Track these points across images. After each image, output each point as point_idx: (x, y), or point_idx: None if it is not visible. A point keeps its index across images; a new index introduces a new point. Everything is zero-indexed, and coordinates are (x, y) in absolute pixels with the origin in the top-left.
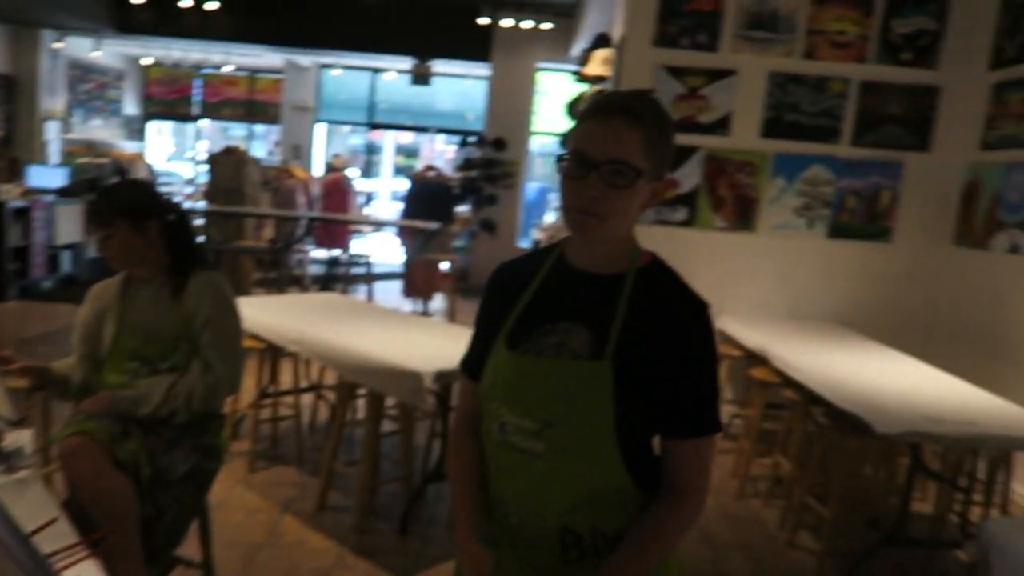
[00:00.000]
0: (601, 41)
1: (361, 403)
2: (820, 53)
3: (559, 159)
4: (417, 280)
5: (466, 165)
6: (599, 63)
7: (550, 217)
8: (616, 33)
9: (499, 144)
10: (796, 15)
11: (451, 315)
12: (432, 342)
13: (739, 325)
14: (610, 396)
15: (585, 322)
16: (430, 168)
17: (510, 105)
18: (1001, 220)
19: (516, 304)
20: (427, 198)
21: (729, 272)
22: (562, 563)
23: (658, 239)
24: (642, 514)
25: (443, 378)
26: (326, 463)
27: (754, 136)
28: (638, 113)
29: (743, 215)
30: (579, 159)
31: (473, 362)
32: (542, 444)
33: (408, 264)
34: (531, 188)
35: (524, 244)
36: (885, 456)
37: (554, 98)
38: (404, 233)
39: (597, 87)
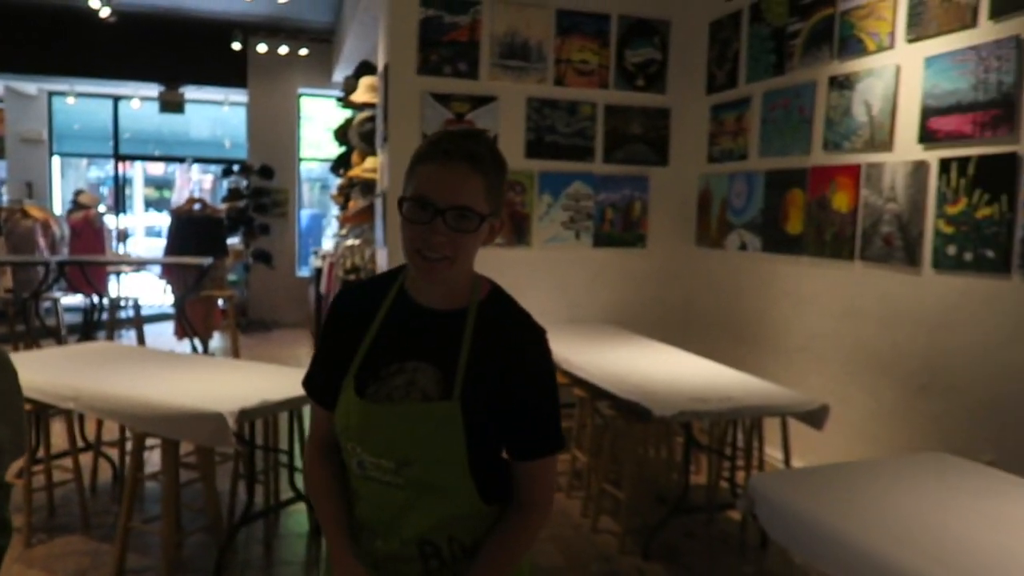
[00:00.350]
0: (365, 68)
1: (149, 455)
2: (569, 80)
3: (400, 202)
4: (193, 319)
5: (233, 195)
6: (365, 90)
7: (328, 243)
8: (380, 61)
9: (266, 172)
10: (544, 46)
11: (235, 353)
12: (225, 381)
13: None
14: (460, 432)
15: (432, 361)
16: (195, 200)
17: (273, 131)
18: (730, 222)
19: (362, 340)
20: (195, 232)
21: (511, 285)
22: (424, 574)
23: None
24: (494, 527)
25: (246, 416)
26: (121, 523)
27: (520, 157)
28: (479, 158)
29: (518, 231)
30: (422, 204)
31: (320, 389)
32: (401, 479)
33: (180, 303)
34: (304, 215)
35: (304, 273)
36: (664, 437)
37: (320, 124)
38: (169, 271)
39: (365, 113)
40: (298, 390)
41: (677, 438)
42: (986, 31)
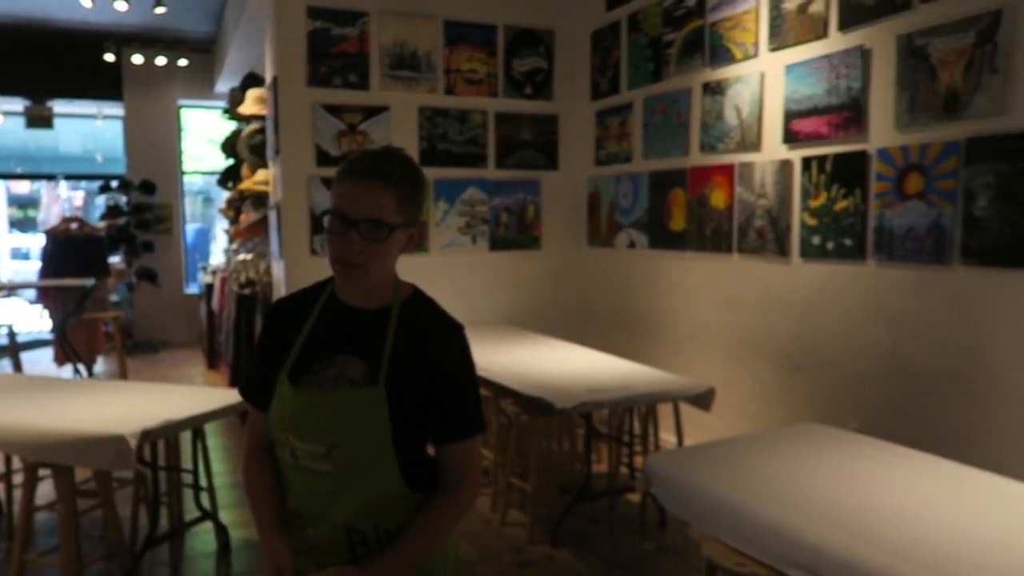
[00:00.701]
0: (251, 80)
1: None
2: (459, 89)
3: (322, 215)
4: (76, 344)
5: (112, 212)
6: (253, 102)
7: (217, 258)
8: (268, 73)
9: (147, 187)
10: (433, 56)
11: (122, 376)
12: (122, 403)
13: None
14: (385, 416)
15: (359, 354)
16: (71, 219)
17: (154, 145)
18: (619, 222)
19: (296, 340)
20: (73, 252)
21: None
22: (351, 561)
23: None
24: (423, 505)
25: (148, 437)
26: (16, 559)
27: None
28: (388, 175)
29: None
30: (339, 217)
31: (256, 391)
32: (330, 464)
33: (61, 328)
34: (190, 230)
35: (192, 290)
36: (566, 430)
37: (201, 135)
38: (46, 295)
39: (254, 125)
40: (199, 408)
41: (578, 430)
42: (836, 41)
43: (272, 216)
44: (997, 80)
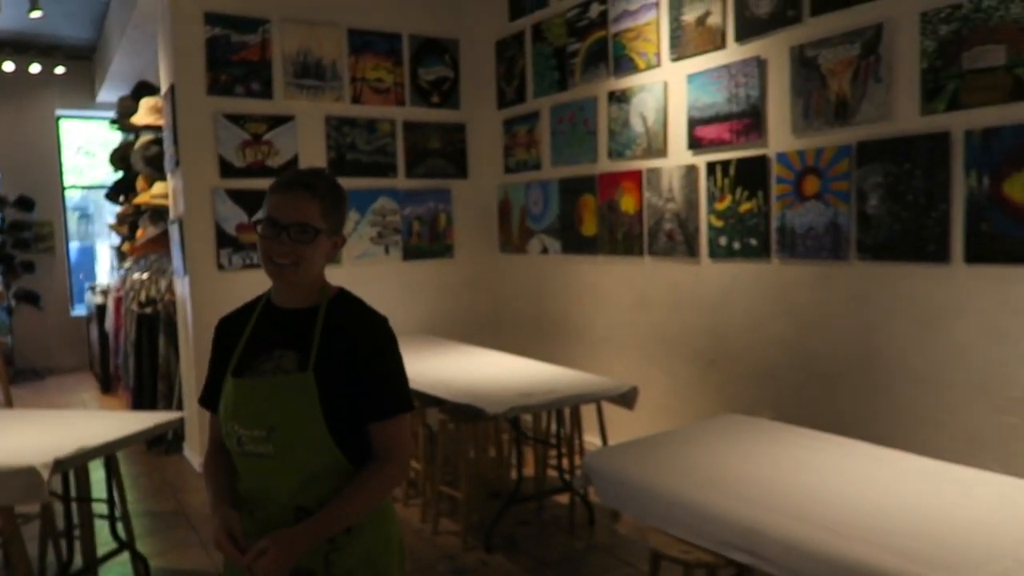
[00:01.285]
0: (144, 89)
1: None
2: (366, 98)
3: (254, 222)
4: None
5: None
6: (147, 111)
7: (105, 277)
8: (163, 81)
9: (25, 203)
10: (338, 64)
11: (8, 405)
12: (24, 433)
13: None
14: (315, 398)
15: (292, 347)
16: None
17: (29, 158)
18: (531, 228)
19: (238, 343)
20: None
21: None
22: None
23: (250, 283)
24: (356, 474)
25: (62, 466)
26: None
27: None
28: (314, 187)
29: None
30: (271, 223)
31: (209, 398)
32: (270, 446)
33: None
34: (73, 248)
35: (80, 311)
36: (492, 436)
37: (79, 148)
38: None
39: (148, 136)
40: (112, 433)
41: (503, 435)
42: (733, 52)
43: (173, 231)
44: (881, 88)
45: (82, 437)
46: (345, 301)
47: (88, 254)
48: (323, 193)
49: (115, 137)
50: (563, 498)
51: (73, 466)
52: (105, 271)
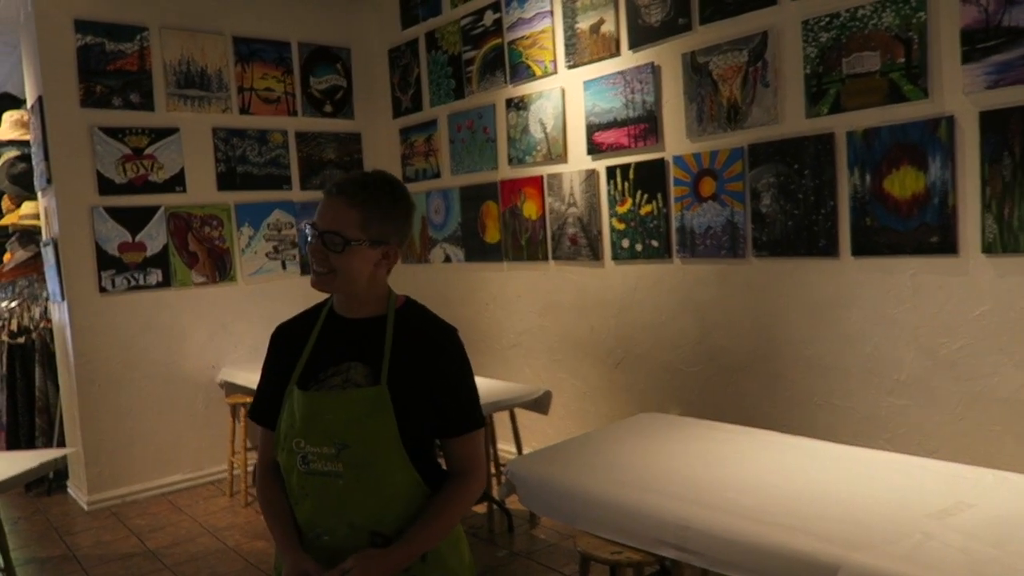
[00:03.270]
0: (6, 101)
1: None
2: (255, 108)
3: (307, 226)
4: None
5: None
6: (11, 126)
7: None
8: (29, 93)
9: None
10: (224, 74)
11: None
12: None
13: (242, 371)
14: (390, 413)
15: (361, 359)
16: None
17: None
18: (433, 237)
19: (301, 354)
20: None
21: (219, 324)
22: None
23: (137, 306)
24: (433, 495)
25: None
26: None
27: (212, 190)
28: (353, 194)
29: (220, 267)
30: (313, 227)
31: (264, 411)
32: (340, 465)
33: None
34: None
35: None
36: None
37: None
38: None
39: (11, 152)
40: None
41: None
42: (628, 59)
43: (48, 253)
44: (769, 93)
45: None
46: (413, 311)
47: None
48: (362, 201)
49: None
50: (480, 508)
51: None
52: None
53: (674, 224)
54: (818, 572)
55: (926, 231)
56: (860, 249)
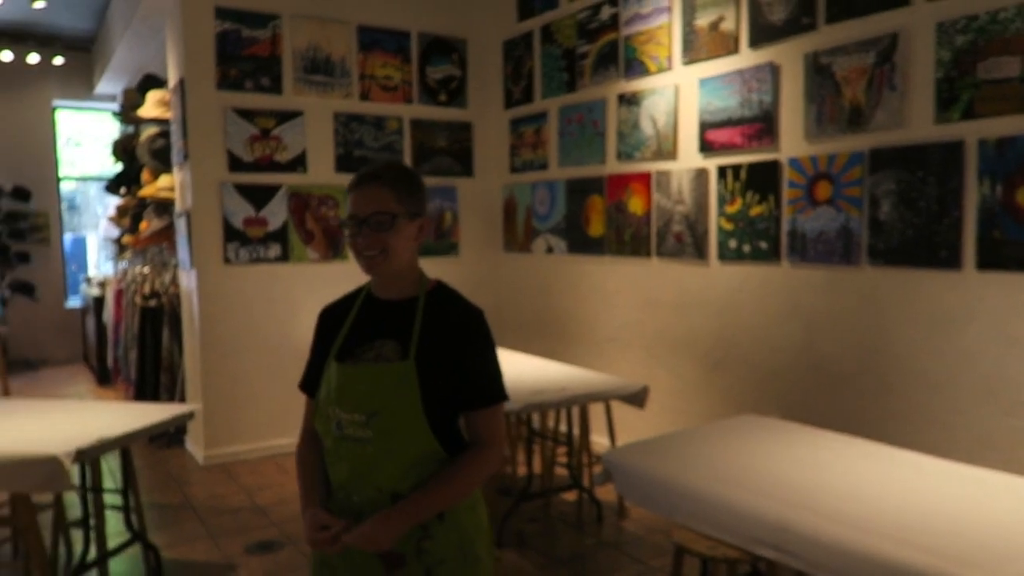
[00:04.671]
0: (150, 82)
1: None
2: (374, 95)
3: (341, 225)
4: None
5: None
6: (154, 104)
7: (104, 268)
8: (172, 75)
9: (21, 194)
10: (347, 61)
11: (6, 395)
12: (42, 422)
13: None
14: (416, 386)
15: (393, 336)
16: None
17: (26, 149)
18: (536, 228)
19: (340, 330)
20: None
21: (330, 298)
22: None
23: (257, 278)
24: (453, 459)
25: (83, 456)
26: None
27: (330, 171)
28: (383, 176)
29: (333, 246)
30: (353, 220)
31: (309, 382)
32: (370, 431)
33: None
34: (68, 240)
35: (74, 303)
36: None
37: (69, 139)
38: None
39: (153, 129)
40: (128, 425)
41: (511, 433)
42: (746, 57)
43: (180, 224)
44: (895, 96)
45: (100, 428)
46: (443, 293)
47: (79, 245)
48: (392, 180)
49: (106, 128)
50: (571, 495)
51: (95, 456)
52: (95, 263)
53: (785, 227)
54: None
55: None
56: (986, 262)
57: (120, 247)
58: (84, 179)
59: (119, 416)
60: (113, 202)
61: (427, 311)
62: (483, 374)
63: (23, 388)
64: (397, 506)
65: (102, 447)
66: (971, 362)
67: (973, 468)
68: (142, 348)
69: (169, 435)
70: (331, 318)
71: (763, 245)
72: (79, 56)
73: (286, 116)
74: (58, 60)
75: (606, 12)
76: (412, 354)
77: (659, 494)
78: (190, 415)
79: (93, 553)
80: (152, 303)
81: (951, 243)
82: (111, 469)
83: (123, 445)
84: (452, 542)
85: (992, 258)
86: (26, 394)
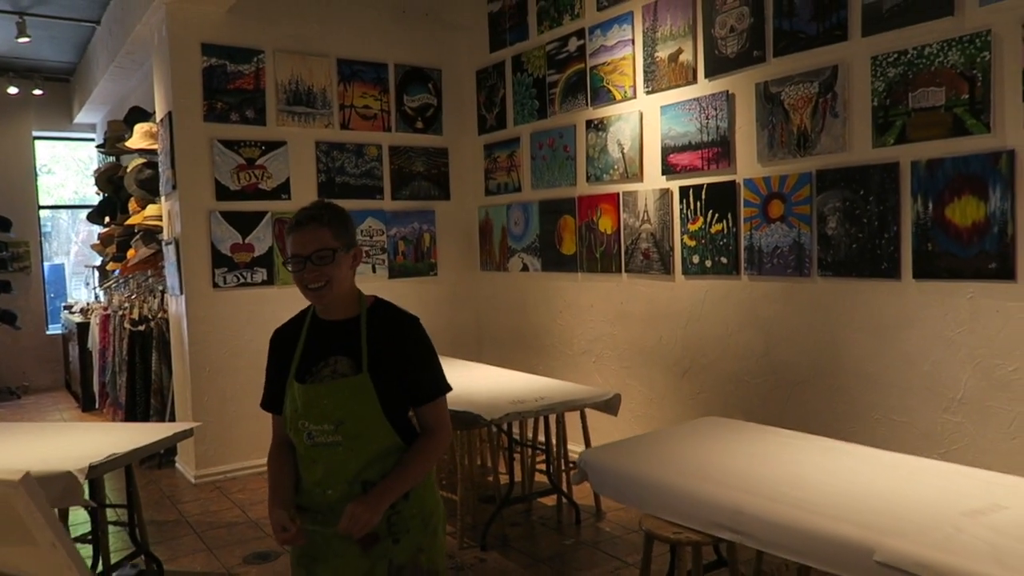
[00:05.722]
0: (137, 114)
1: None
2: (354, 124)
3: (285, 263)
4: None
5: None
6: (142, 136)
7: (82, 295)
8: (160, 108)
9: (2, 224)
10: (328, 92)
11: None
12: (50, 441)
13: None
14: (373, 394)
15: (344, 353)
16: None
17: (5, 179)
18: (512, 247)
19: (294, 352)
20: None
21: None
22: None
23: (243, 301)
24: (410, 447)
25: (95, 472)
26: None
27: (313, 197)
28: (319, 217)
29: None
30: (296, 259)
31: (270, 400)
32: (340, 436)
33: None
34: (45, 268)
35: (56, 329)
36: (476, 444)
37: (48, 166)
38: None
39: (139, 160)
40: (135, 442)
41: (485, 444)
42: (704, 87)
43: (169, 251)
44: (838, 123)
45: (107, 445)
46: (381, 308)
47: (57, 272)
48: (329, 219)
49: (79, 155)
50: (550, 500)
51: (105, 472)
52: (74, 290)
53: (743, 243)
54: (856, 554)
55: (985, 258)
56: (921, 272)
57: (103, 274)
58: (59, 207)
59: (122, 435)
60: (89, 230)
61: (370, 326)
62: (426, 372)
63: (7, 415)
64: (374, 491)
65: (112, 463)
66: (912, 364)
67: (910, 457)
68: (131, 372)
69: (160, 456)
70: (283, 340)
71: (723, 260)
72: (58, 87)
73: (271, 146)
74: (38, 91)
75: (573, 44)
76: (365, 367)
77: (629, 488)
78: (190, 432)
79: (100, 567)
80: (141, 328)
81: (891, 255)
82: (109, 488)
83: (132, 461)
84: (415, 516)
85: (927, 268)
86: (13, 422)
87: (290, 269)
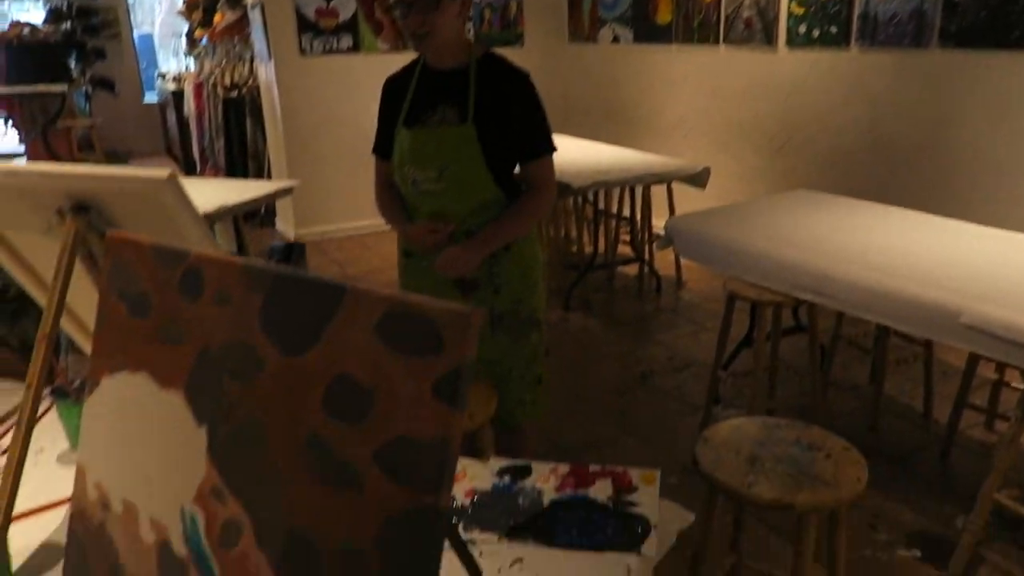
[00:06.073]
0: None
1: None
2: None
3: (389, 9)
4: (60, 152)
5: (55, 16)
6: None
7: (174, 64)
8: None
9: None
10: None
11: None
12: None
13: None
14: (476, 143)
15: (451, 102)
16: (21, 24)
17: None
18: (602, 17)
19: (404, 99)
20: (31, 59)
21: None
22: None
23: (331, 69)
24: (513, 202)
25: (210, 220)
26: None
27: None
28: None
29: (402, 36)
30: (402, 4)
31: (381, 145)
32: (443, 184)
33: (44, 135)
34: (136, 37)
35: (151, 98)
36: (563, 216)
37: None
38: (10, 104)
39: None
40: (243, 195)
41: (571, 215)
42: None
43: (255, 15)
44: None
45: (216, 198)
46: (492, 60)
47: (146, 42)
48: None
49: None
50: (632, 269)
51: (214, 221)
52: (164, 61)
53: (857, 10)
54: (943, 316)
55: None
56: None
57: (191, 42)
58: None
59: (230, 190)
60: None
61: (479, 78)
62: (534, 129)
63: None
64: (475, 237)
65: (223, 213)
66: None
67: (1009, 232)
68: (228, 137)
69: (262, 216)
70: (394, 88)
71: (833, 29)
72: None
73: None
74: None
75: None
76: (470, 117)
77: (714, 252)
78: (290, 189)
79: None
80: (233, 94)
81: None
82: (219, 241)
83: (239, 212)
84: (515, 268)
85: None
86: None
87: (395, 18)
